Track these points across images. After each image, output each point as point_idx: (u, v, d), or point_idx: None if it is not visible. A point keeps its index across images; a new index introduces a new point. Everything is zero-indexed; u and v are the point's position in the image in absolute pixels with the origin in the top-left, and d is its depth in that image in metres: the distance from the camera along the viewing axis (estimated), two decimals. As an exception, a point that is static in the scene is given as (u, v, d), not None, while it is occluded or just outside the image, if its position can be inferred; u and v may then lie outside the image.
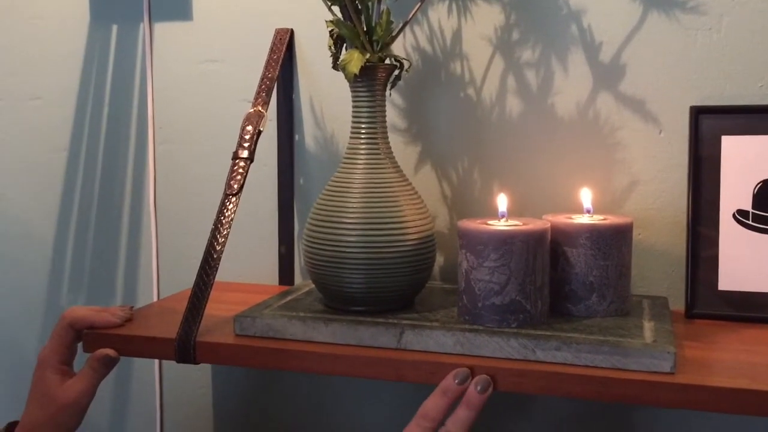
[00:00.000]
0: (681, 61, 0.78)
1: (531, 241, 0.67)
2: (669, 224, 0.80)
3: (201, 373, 0.97)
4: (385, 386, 0.90)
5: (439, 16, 0.85)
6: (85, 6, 0.97)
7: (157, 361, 0.98)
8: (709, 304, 0.76)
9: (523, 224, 0.69)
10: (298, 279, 0.92)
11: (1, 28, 1.00)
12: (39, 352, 0.75)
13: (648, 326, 0.68)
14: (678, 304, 0.78)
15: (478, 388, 0.62)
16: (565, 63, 0.82)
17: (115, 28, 0.96)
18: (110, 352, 0.74)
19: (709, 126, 0.76)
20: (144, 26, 0.94)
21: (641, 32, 0.79)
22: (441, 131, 0.86)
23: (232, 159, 0.79)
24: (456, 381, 0.63)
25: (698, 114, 0.76)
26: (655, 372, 0.61)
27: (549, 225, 0.70)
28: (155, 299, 0.97)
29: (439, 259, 0.86)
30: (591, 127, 0.82)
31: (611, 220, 0.73)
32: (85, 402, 0.74)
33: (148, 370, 0.99)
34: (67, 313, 0.76)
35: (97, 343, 0.75)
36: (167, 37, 0.94)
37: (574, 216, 0.74)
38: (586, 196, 0.75)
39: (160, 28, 0.94)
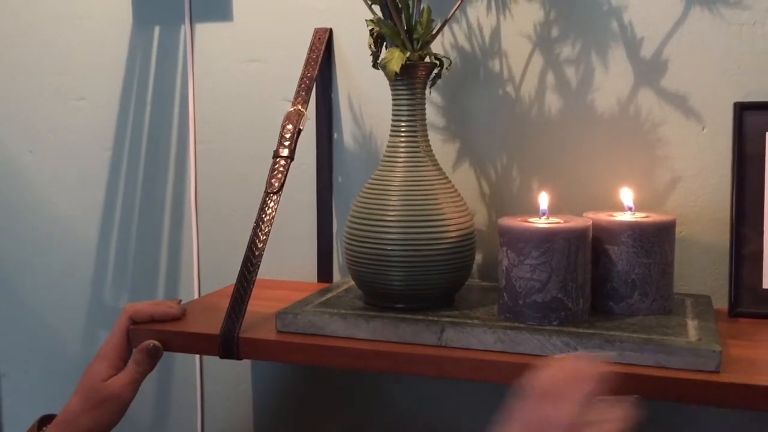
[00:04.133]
0: (724, 56, 0.77)
1: (572, 239, 0.67)
2: (711, 222, 0.79)
3: (241, 369, 0.98)
4: (424, 380, 0.91)
5: (478, 13, 0.85)
6: (128, 8, 0.99)
7: (197, 357, 0.99)
8: (752, 302, 0.75)
9: (564, 222, 0.69)
10: (336, 276, 0.93)
11: (49, 29, 1.03)
12: (100, 348, 0.77)
13: (692, 325, 0.68)
14: (721, 302, 0.77)
15: None
16: (606, 59, 0.81)
17: (157, 29, 0.98)
18: (155, 343, 0.76)
19: (753, 122, 0.75)
20: (185, 27, 0.96)
21: (683, 27, 0.79)
22: (480, 129, 0.86)
23: (272, 158, 0.80)
24: None
25: (742, 110, 0.75)
26: (700, 371, 0.60)
27: (590, 222, 0.69)
28: (196, 296, 0.99)
29: (478, 257, 0.86)
30: (632, 124, 0.81)
31: (653, 217, 0.72)
32: (128, 397, 0.76)
33: (189, 366, 1.01)
34: (128, 306, 0.78)
35: (143, 338, 0.77)
36: (208, 37, 0.96)
37: (615, 213, 0.74)
38: (627, 193, 0.75)
39: (201, 28, 0.96)
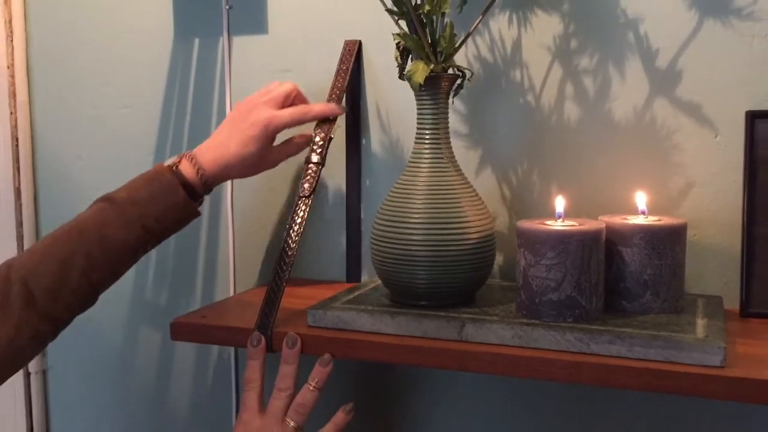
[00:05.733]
0: (737, 66, 0.80)
1: (586, 241, 0.70)
2: (724, 226, 0.82)
3: (273, 362, 1.03)
4: (444, 375, 0.95)
5: (500, 26, 0.89)
6: (169, 22, 1.04)
7: (233, 349, 1.04)
8: (763, 303, 0.78)
9: (579, 225, 0.73)
10: (364, 276, 0.97)
11: (97, 41, 1.09)
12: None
13: (701, 323, 0.71)
14: (734, 304, 0.80)
15: (289, 344, 0.76)
16: (623, 70, 0.85)
17: (197, 41, 1.03)
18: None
19: (764, 130, 0.78)
20: (223, 39, 1.01)
21: (697, 39, 0.82)
22: (501, 136, 0.90)
23: (304, 163, 0.85)
24: (288, 346, 0.76)
25: (753, 118, 0.78)
26: (706, 366, 0.64)
27: (604, 225, 0.73)
28: (232, 294, 1.04)
29: (499, 258, 0.90)
30: (647, 132, 0.84)
31: (665, 220, 0.76)
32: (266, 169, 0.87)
33: (225, 358, 1.06)
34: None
35: (183, 333, 0.82)
36: (244, 49, 1.00)
37: (629, 217, 0.77)
38: (641, 198, 0.78)
39: (238, 41, 1.01)
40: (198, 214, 0.82)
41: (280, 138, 0.86)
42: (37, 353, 0.79)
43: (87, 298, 0.79)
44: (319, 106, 0.85)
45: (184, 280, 1.07)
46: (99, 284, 0.79)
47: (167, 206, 0.79)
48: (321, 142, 0.85)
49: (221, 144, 0.82)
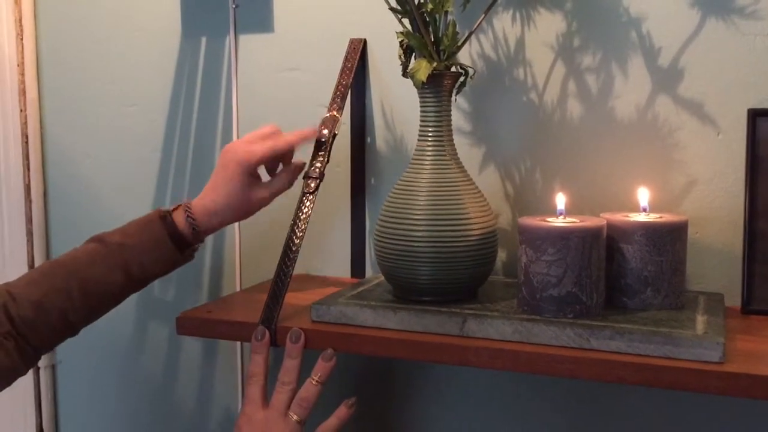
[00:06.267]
0: (739, 65, 0.81)
1: (587, 237, 0.71)
2: (726, 223, 0.83)
3: (277, 356, 1.04)
4: (445, 370, 0.95)
5: (504, 24, 0.89)
6: (177, 21, 1.05)
7: (239, 344, 1.05)
8: (764, 300, 0.79)
9: (580, 221, 0.73)
10: (368, 272, 0.98)
11: (105, 40, 1.10)
12: (244, 149, 0.82)
13: (701, 319, 0.71)
14: (735, 301, 0.81)
15: (293, 338, 0.77)
16: (625, 68, 0.85)
17: (204, 40, 1.04)
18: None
19: (766, 128, 0.79)
20: (230, 38, 1.02)
21: (699, 37, 0.82)
22: (504, 134, 0.91)
23: (309, 160, 0.85)
24: (292, 341, 0.77)
25: (755, 116, 0.79)
26: (705, 362, 0.64)
27: (605, 222, 0.74)
28: (238, 289, 1.05)
29: (502, 255, 0.91)
30: (649, 129, 0.85)
31: (666, 218, 0.76)
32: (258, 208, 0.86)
33: (231, 352, 1.07)
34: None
35: (193, 327, 0.83)
36: (251, 47, 1.01)
37: (630, 214, 0.78)
38: (643, 195, 0.79)
39: (244, 39, 1.02)
40: (184, 262, 0.84)
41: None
42: (27, 367, 0.81)
43: (65, 333, 0.81)
44: (292, 134, 0.84)
45: (191, 275, 1.08)
46: (77, 323, 0.81)
47: (153, 256, 0.81)
48: (326, 139, 0.86)
49: (211, 189, 0.83)
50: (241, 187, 0.82)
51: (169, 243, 0.81)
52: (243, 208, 0.84)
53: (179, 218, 0.82)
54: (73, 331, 0.82)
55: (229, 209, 0.83)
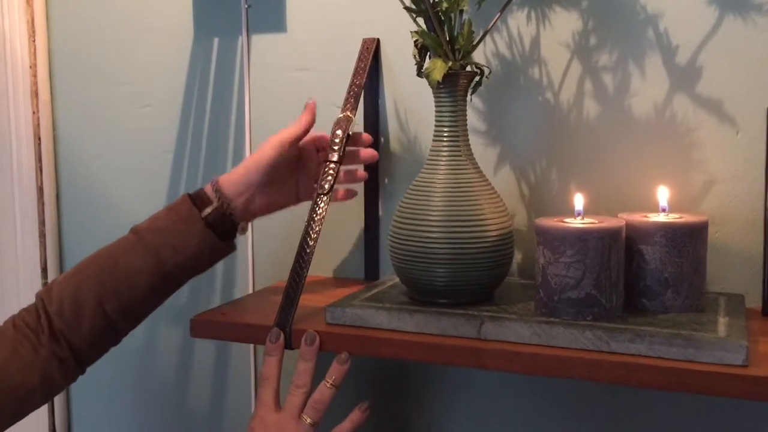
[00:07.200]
0: (758, 62, 0.79)
1: (606, 238, 0.70)
2: (746, 223, 0.81)
3: (292, 359, 1.03)
4: (461, 373, 0.94)
5: (519, 23, 0.88)
6: (189, 21, 1.05)
7: (252, 346, 1.05)
8: (786, 302, 0.77)
9: (599, 222, 0.72)
10: (382, 273, 0.97)
11: (118, 41, 1.10)
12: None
13: (722, 322, 0.70)
14: (756, 302, 0.80)
15: (308, 341, 0.76)
16: (642, 66, 0.84)
17: (216, 40, 1.04)
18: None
19: (787, 126, 0.77)
20: (242, 38, 1.02)
21: (717, 35, 0.81)
22: (520, 133, 0.90)
23: (323, 161, 0.85)
24: (307, 343, 0.77)
25: (776, 115, 0.77)
26: (728, 365, 0.63)
27: (624, 223, 0.73)
28: (251, 291, 1.05)
29: (518, 256, 0.90)
30: (667, 128, 0.83)
31: (686, 218, 0.75)
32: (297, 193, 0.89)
33: (244, 355, 1.06)
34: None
35: (203, 330, 0.82)
36: (263, 47, 1.01)
37: (649, 214, 0.77)
38: (662, 194, 0.78)
39: (256, 39, 1.01)
40: (222, 246, 0.82)
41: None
42: (65, 382, 0.80)
43: (105, 333, 0.80)
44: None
45: (203, 278, 1.07)
46: (116, 318, 0.79)
47: (184, 237, 0.79)
48: (339, 140, 0.85)
49: (241, 165, 0.84)
50: (271, 161, 0.82)
51: (198, 218, 0.79)
52: (277, 184, 0.84)
53: (208, 191, 0.82)
54: (113, 330, 0.80)
55: (257, 174, 0.81)
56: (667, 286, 0.73)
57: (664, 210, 0.77)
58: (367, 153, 0.89)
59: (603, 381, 0.65)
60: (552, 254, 0.71)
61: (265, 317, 0.81)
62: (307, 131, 0.85)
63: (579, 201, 0.75)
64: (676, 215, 0.76)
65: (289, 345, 0.79)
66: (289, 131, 0.84)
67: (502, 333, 0.71)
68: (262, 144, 0.84)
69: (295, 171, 0.88)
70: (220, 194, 0.81)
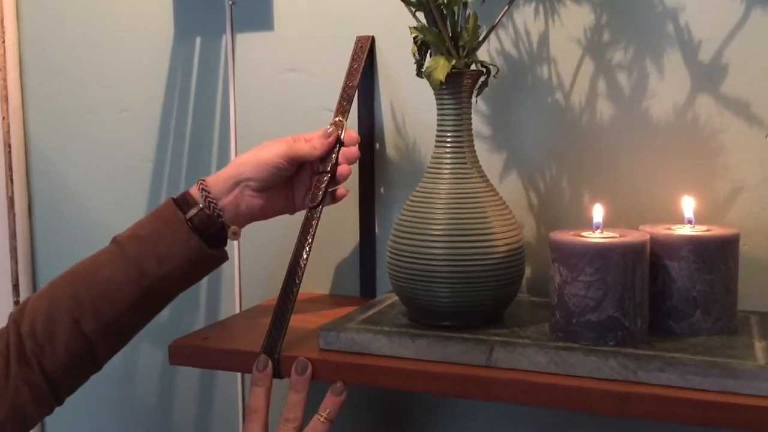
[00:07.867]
0: (789, 59, 0.74)
1: (629, 254, 0.63)
2: (777, 234, 0.75)
3: (282, 386, 0.97)
4: (468, 405, 0.88)
5: (525, 18, 0.82)
6: (169, 21, 0.99)
7: (239, 374, 0.98)
8: (824, 321, 0.71)
9: (620, 236, 0.66)
10: (380, 291, 0.91)
11: (93, 42, 1.03)
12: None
13: (759, 346, 0.64)
14: (789, 320, 0.73)
15: (298, 370, 0.69)
16: (661, 64, 0.78)
17: (198, 40, 0.98)
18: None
19: (822, 129, 0.71)
20: (226, 37, 0.96)
21: (744, 29, 0.75)
22: (527, 138, 0.84)
23: (314, 172, 0.79)
24: (297, 373, 0.70)
25: (810, 116, 0.71)
26: (771, 397, 0.56)
27: (648, 237, 0.66)
28: (237, 310, 0.98)
29: (527, 271, 0.83)
30: (690, 131, 0.78)
31: (716, 231, 0.68)
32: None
33: (230, 382, 1.00)
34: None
35: (185, 355, 0.76)
36: (249, 47, 0.95)
37: (674, 227, 0.70)
38: (687, 205, 0.71)
39: (242, 38, 0.95)
40: (210, 253, 0.74)
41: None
42: (38, 414, 0.72)
43: (83, 356, 0.72)
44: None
45: (186, 296, 1.01)
46: (96, 339, 0.72)
47: (168, 244, 0.71)
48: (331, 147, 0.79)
49: (233, 162, 0.77)
50: (273, 168, 0.75)
51: (182, 222, 0.72)
52: (273, 188, 0.76)
53: (194, 192, 0.75)
54: (92, 352, 0.72)
55: (253, 171, 0.74)
56: (695, 305, 0.67)
57: (690, 222, 0.70)
58: (348, 152, 0.80)
59: (634, 416, 0.58)
60: (569, 272, 0.64)
61: (252, 342, 0.74)
62: (319, 158, 0.78)
63: (598, 212, 0.68)
64: (703, 227, 0.70)
65: (278, 374, 0.72)
66: (304, 150, 0.76)
67: (515, 360, 0.64)
68: (268, 143, 0.77)
69: (292, 178, 0.80)
70: (206, 194, 0.74)
